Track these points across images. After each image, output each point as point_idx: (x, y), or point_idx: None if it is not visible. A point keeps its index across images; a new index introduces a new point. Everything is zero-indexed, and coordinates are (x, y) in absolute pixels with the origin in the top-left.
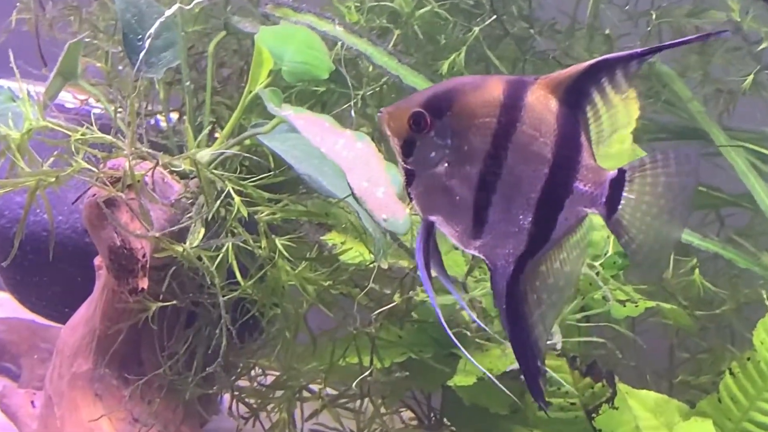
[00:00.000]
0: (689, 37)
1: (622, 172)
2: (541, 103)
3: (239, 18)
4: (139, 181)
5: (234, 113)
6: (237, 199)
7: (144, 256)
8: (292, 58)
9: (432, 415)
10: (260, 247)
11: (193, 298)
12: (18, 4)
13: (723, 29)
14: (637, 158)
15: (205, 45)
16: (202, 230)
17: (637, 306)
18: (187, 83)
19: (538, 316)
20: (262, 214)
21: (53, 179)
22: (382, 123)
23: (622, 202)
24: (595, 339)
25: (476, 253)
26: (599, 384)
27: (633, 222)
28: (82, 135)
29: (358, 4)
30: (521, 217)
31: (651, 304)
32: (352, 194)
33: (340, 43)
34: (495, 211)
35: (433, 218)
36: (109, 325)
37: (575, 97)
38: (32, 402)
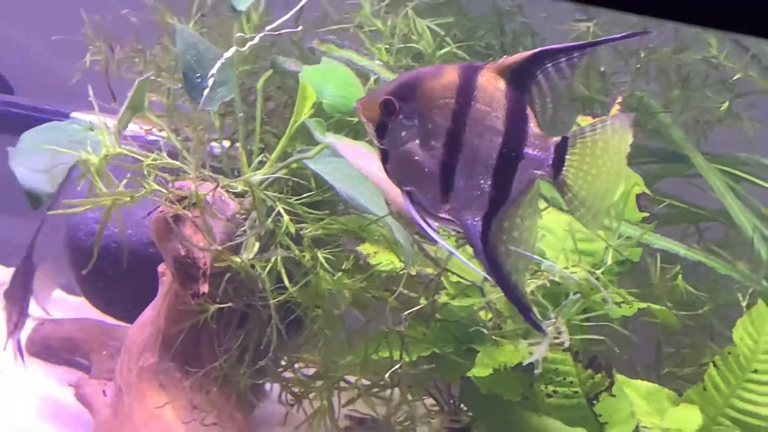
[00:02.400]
0: (621, 35)
1: (565, 138)
2: (491, 84)
3: (284, 58)
4: (201, 200)
5: (281, 140)
6: (286, 217)
7: (205, 264)
8: (332, 93)
9: (451, 402)
10: (305, 258)
11: (246, 301)
12: (91, 47)
13: (648, 30)
14: (578, 127)
15: (254, 81)
16: (257, 244)
17: (630, 307)
18: (240, 115)
19: (510, 264)
20: (307, 230)
21: (128, 198)
22: (358, 112)
23: (566, 164)
24: (595, 336)
25: (447, 216)
26: (599, 375)
27: (576, 181)
28: (153, 160)
29: (388, 46)
30: (482, 182)
31: (643, 305)
32: (390, 211)
33: (373, 78)
34: (459, 179)
35: (407, 189)
36: (172, 324)
37: (521, 78)
38: (104, 391)
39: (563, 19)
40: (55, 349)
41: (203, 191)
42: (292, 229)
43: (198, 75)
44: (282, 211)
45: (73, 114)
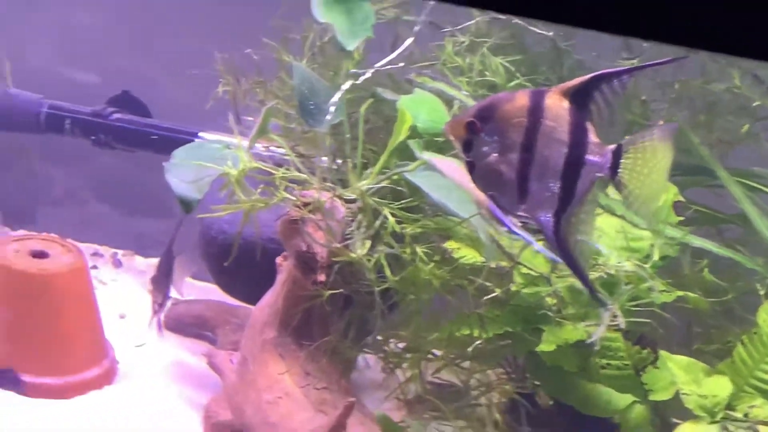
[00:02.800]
0: (663, 60)
1: (620, 145)
2: (557, 104)
3: (381, 89)
4: (322, 205)
5: (382, 156)
6: (391, 218)
7: (322, 258)
8: (424, 118)
9: (519, 372)
10: (405, 252)
11: (353, 287)
12: (221, 80)
13: (683, 56)
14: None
15: (356, 107)
16: (368, 242)
17: (670, 294)
18: (347, 135)
19: (578, 251)
20: (407, 229)
21: (262, 204)
22: (447, 132)
23: (621, 167)
24: (642, 319)
25: (524, 215)
26: (645, 351)
27: (630, 180)
28: (283, 173)
29: (468, 79)
30: (551, 185)
31: (680, 293)
32: (480, 213)
33: (457, 105)
34: (532, 184)
35: (491, 193)
36: (289, 306)
37: (581, 98)
38: (231, 360)
39: (612, 57)
40: (187, 324)
41: (323, 198)
42: (397, 229)
43: (311, 102)
44: (388, 214)
45: (200, 134)
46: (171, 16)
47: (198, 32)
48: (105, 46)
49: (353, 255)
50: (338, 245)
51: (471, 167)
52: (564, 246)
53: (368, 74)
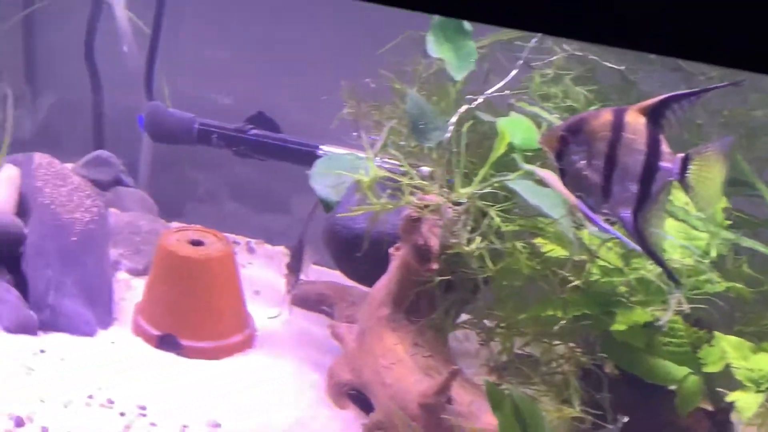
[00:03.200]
0: (720, 84)
1: (687, 154)
2: (635, 119)
3: (480, 111)
4: (438, 207)
5: (484, 167)
6: (497, 218)
7: (436, 250)
8: (519, 135)
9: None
10: (505, 246)
11: (457, 274)
12: (345, 103)
13: (741, 80)
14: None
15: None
16: (478, 239)
17: (721, 285)
18: (455, 150)
19: (653, 241)
20: (507, 227)
21: (390, 206)
22: (543, 144)
23: (688, 171)
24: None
25: (607, 211)
26: (702, 331)
27: (696, 183)
28: (408, 181)
29: (553, 105)
30: (630, 187)
31: (729, 284)
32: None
33: (545, 125)
34: (615, 186)
35: (579, 195)
36: (401, 288)
37: (655, 115)
38: (350, 331)
39: (674, 88)
40: (311, 301)
41: (437, 201)
42: (502, 227)
43: (421, 123)
44: (494, 214)
45: (321, 147)
46: (295, 50)
47: (319, 64)
48: (239, 76)
49: (465, 248)
50: (454, 240)
51: (563, 174)
52: (642, 237)
53: (480, 100)
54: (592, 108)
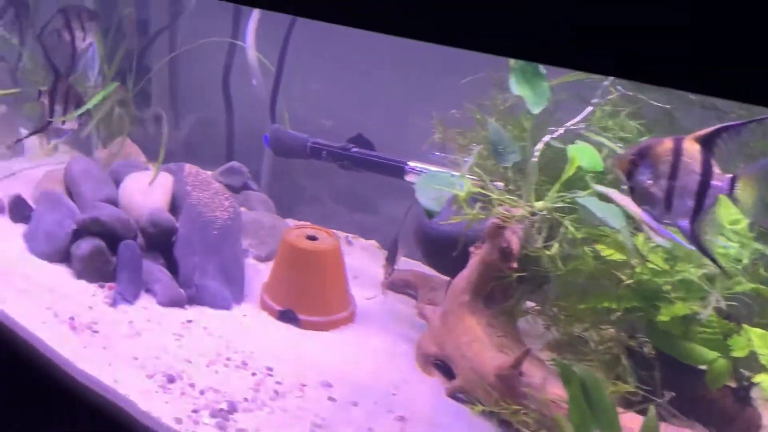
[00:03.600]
0: (761, 117)
1: (734, 175)
2: (691, 147)
3: (550, 139)
4: (519, 217)
5: (556, 185)
6: (571, 227)
7: (516, 251)
8: (587, 160)
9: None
10: (575, 250)
11: (529, 271)
12: (434, 129)
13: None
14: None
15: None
16: (557, 245)
17: (747, 285)
18: (533, 169)
19: (707, 245)
20: (577, 235)
21: (482, 216)
22: (615, 165)
23: (735, 188)
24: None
25: (668, 222)
26: (732, 323)
27: (742, 197)
28: (498, 196)
29: (611, 135)
30: (688, 201)
31: (754, 285)
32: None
33: (606, 152)
34: (675, 200)
35: (645, 208)
36: (480, 280)
37: (708, 143)
38: (434, 311)
39: (709, 123)
40: (398, 286)
41: (518, 213)
42: (577, 235)
43: (500, 147)
44: (568, 224)
45: (410, 162)
46: (386, 84)
47: (405, 95)
48: (338, 103)
49: (546, 252)
50: (530, 248)
51: (632, 190)
52: (697, 242)
53: (561, 131)
54: (644, 138)
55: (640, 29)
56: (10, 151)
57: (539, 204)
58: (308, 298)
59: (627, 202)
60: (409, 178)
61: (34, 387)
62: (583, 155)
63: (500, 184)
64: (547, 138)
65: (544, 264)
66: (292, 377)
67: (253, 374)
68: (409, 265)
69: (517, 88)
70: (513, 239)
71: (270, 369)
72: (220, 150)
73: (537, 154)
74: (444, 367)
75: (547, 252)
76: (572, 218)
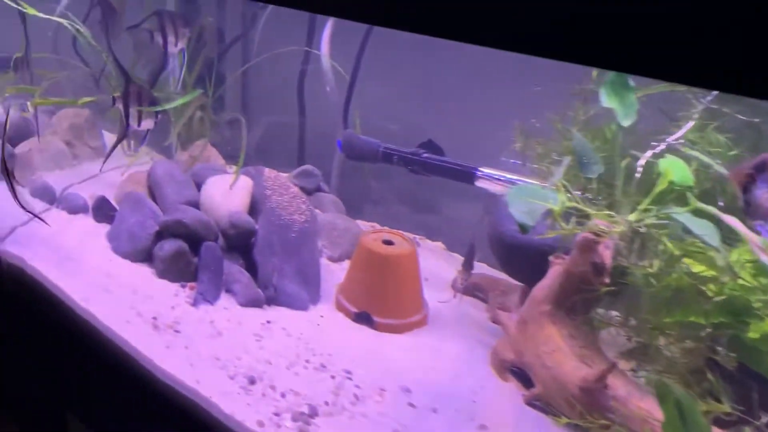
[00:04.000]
0: None
1: None
2: None
3: (635, 152)
4: (610, 232)
5: (647, 199)
6: (669, 244)
7: (608, 266)
8: (677, 173)
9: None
10: (670, 265)
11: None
12: (516, 141)
13: None
14: None
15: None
16: (657, 261)
17: None
18: (619, 182)
19: None
20: (675, 251)
21: (578, 230)
22: (731, 178)
23: None
24: None
25: None
26: None
27: None
28: (595, 211)
29: (700, 150)
30: None
31: None
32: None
33: (695, 165)
34: None
35: (761, 223)
36: (562, 290)
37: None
38: (510, 318)
39: None
40: (468, 288)
41: (613, 228)
42: (675, 251)
43: (584, 158)
44: (665, 239)
45: (481, 168)
46: (451, 90)
47: (472, 103)
48: (405, 109)
49: (646, 268)
50: (626, 263)
51: (747, 203)
52: None
53: (663, 146)
54: (732, 152)
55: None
56: (94, 153)
57: (631, 217)
58: (383, 301)
59: (732, 220)
60: (479, 183)
61: (119, 387)
62: (675, 169)
63: (586, 195)
64: (649, 153)
65: (632, 277)
66: (370, 381)
67: (333, 377)
68: (481, 268)
69: (607, 100)
70: (606, 254)
71: (349, 372)
72: (292, 152)
73: (640, 169)
74: (520, 374)
75: (644, 268)
76: (664, 233)
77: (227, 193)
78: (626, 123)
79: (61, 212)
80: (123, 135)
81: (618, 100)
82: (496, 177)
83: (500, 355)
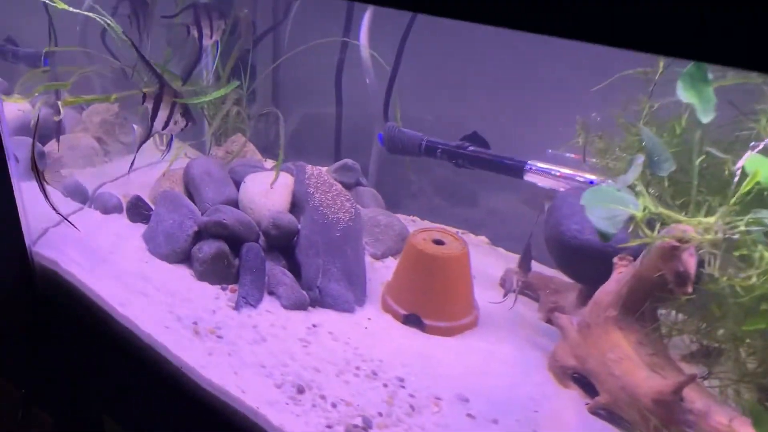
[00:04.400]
0: None
1: None
2: None
3: (709, 148)
4: (692, 238)
5: (731, 201)
6: (761, 250)
7: (692, 275)
8: (765, 174)
9: None
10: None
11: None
12: (578, 133)
13: None
14: None
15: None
16: (753, 270)
17: None
18: (695, 182)
19: None
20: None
21: (664, 239)
22: None
23: None
24: None
25: None
26: None
27: None
28: (685, 217)
29: None
30: None
31: None
32: None
33: None
34: None
35: None
36: (631, 295)
37: None
38: (571, 321)
39: None
40: (523, 288)
41: (691, 233)
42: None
43: (655, 156)
44: (761, 248)
45: (530, 162)
46: (508, 80)
47: (517, 95)
48: (440, 100)
49: (734, 277)
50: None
51: None
52: None
53: (761, 145)
54: None
55: None
56: (126, 149)
57: (710, 220)
58: (434, 302)
59: None
60: (528, 177)
61: (159, 394)
62: (762, 168)
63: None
64: (749, 153)
65: (714, 284)
66: (425, 389)
67: (385, 385)
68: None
69: (684, 94)
70: (691, 262)
71: (401, 380)
72: (327, 146)
73: (738, 173)
74: (581, 380)
75: (732, 278)
76: (750, 238)
77: (268, 192)
78: (706, 119)
79: (94, 212)
80: (147, 137)
81: (696, 94)
82: (548, 171)
83: (560, 360)
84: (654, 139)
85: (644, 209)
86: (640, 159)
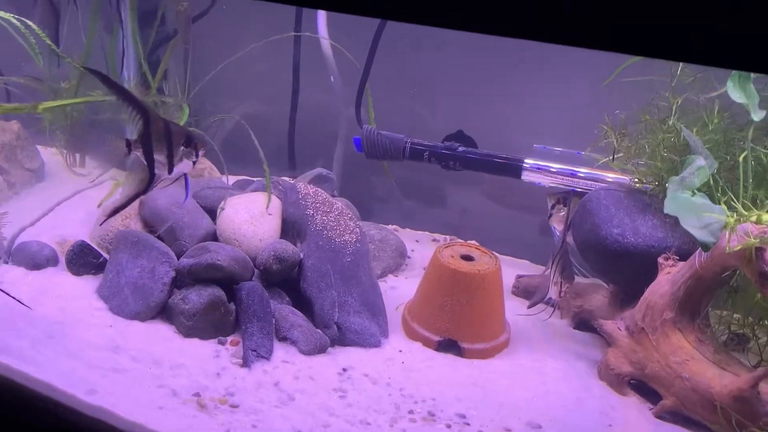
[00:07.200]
0: None
1: None
2: None
3: (753, 145)
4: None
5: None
6: None
7: None
8: None
9: None
10: None
11: None
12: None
13: None
14: None
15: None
16: None
17: None
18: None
19: None
20: None
21: (753, 242)
22: None
23: None
24: None
25: None
26: None
27: None
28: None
29: None
30: None
31: None
32: None
33: None
34: None
35: None
36: (689, 296)
37: None
38: (618, 327)
39: None
40: (532, 292)
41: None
42: None
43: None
44: None
45: (527, 160)
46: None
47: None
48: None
49: None
50: None
51: None
52: None
53: None
54: None
55: None
56: (33, 176)
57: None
58: (471, 324)
59: None
60: (526, 176)
61: None
62: None
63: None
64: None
65: None
66: (490, 423)
67: (448, 426)
68: (529, 269)
69: (734, 95)
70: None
71: (462, 416)
72: (271, 152)
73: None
74: (637, 386)
75: None
76: None
77: (255, 219)
78: (757, 117)
79: (17, 269)
80: (144, 190)
81: (744, 93)
82: (546, 168)
83: (615, 368)
84: (695, 140)
85: (735, 215)
86: (701, 161)
